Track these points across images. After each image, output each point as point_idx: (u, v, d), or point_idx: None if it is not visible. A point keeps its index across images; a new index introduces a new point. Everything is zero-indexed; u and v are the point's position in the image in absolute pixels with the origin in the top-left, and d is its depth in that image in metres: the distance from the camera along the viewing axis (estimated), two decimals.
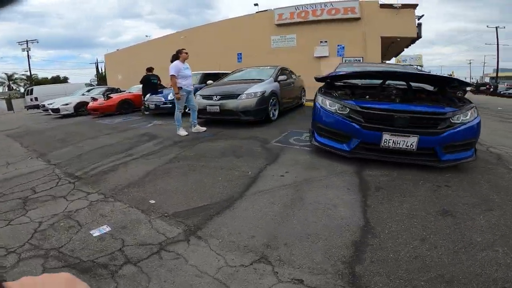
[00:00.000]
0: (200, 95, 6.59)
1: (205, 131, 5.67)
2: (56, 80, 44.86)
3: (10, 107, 24.75)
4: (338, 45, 13.50)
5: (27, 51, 30.59)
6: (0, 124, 11.72)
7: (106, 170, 3.85)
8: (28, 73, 35.64)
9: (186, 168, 3.76)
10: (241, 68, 8.99)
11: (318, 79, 5.61)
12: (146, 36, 21.38)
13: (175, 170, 3.70)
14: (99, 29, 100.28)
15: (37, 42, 31.81)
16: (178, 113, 5.46)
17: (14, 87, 41.68)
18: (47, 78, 44.60)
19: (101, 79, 34.05)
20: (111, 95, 9.98)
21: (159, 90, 9.43)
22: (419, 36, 13.87)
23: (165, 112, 8.36)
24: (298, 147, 4.55)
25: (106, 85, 18.46)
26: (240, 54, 15.20)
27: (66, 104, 11.07)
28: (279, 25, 14.10)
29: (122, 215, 2.70)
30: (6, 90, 39.62)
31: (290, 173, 3.48)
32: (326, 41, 13.57)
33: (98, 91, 13.14)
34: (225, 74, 10.34)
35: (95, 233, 2.40)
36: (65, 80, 46.70)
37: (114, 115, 9.78)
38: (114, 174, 3.69)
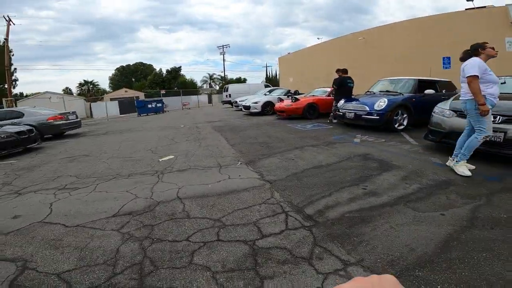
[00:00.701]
0: (452, 110, 4.27)
1: (473, 169, 3.33)
2: (239, 80, 54.00)
3: (209, 101, 31.51)
4: None
5: (223, 55, 37.99)
6: (206, 115, 14.01)
7: (351, 216, 2.42)
8: (222, 74, 44.52)
9: None
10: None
11: None
12: (318, 38, 20.84)
13: (507, 252, 1.74)
14: (264, 37, 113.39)
15: (229, 46, 38.86)
16: (477, 140, 3.20)
17: (212, 85, 53.57)
18: (232, 78, 54.55)
19: (269, 81, 37.48)
20: (299, 98, 9.35)
21: (353, 96, 7.86)
22: None
23: (365, 124, 6.59)
24: None
25: (276, 86, 19.29)
26: (448, 58, 11.23)
27: (256, 103, 11.60)
28: None
29: None
30: (208, 87, 51.53)
31: None
32: None
33: (279, 92, 13.30)
34: (439, 82, 7.37)
35: None
36: (244, 81, 55.44)
37: (299, 119, 9.09)
38: (374, 231, 2.16)
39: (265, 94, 14.83)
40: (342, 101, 7.44)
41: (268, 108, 11.57)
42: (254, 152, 4.90)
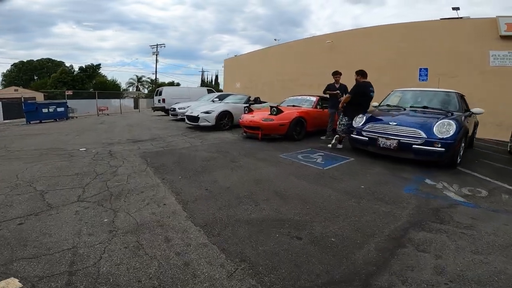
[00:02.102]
0: None
1: None
2: (171, 84, 48.10)
3: (136, 106, 25.67)
4: None
5: (156, 54, 32.75)
6: (130, 127, 9.59)
7: None
8: (153, 77, 38.48)
9: None
10: None
11: None
12: (275, 40, 18.66)
13: None
14: (202, 42, 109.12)
15: (164, 46, 33.69)
16: None
17: (140, 88, 46.16)
18: (164, 82, 48.21)
19: (205, 86, 33.95)
20: (282, 108, 6.25)
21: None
22: None
23: (415, 159, 3.98)
24: None
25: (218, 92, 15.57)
26: (426, 70, 10.15)
27: (208, 113, 8.04)
28: (505, 38, 8.63)
29: None
30: (135, 90, 44.06)
31: None
32: None
33: (236, 99, 10.03)
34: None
35: None
36: (177, 85, 49.90)
37: (279, 140, 6.04)
38: None
39: (213, 101, 11.39)
40: (361, 119, 4.73)
41: (225, 120, 8.19)
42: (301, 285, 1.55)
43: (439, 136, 3.75)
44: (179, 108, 11.54)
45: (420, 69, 10.21)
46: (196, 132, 7.85)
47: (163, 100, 15.51)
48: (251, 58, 18.11)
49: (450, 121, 3.85)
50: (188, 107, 11.36)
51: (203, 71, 52.08)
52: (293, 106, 7.14)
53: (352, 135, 4.79)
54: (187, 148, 5.44)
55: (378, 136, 4.26)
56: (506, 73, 8.65)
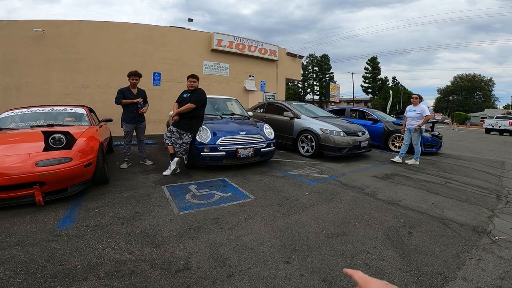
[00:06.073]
0: None
1: None
2: None
3: None
4: (262, 81, 13.53)
5: None
6: None
7: None
8: None
9: None
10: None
11: None
12: None
13: None
14: None
15: None
16: None
17: None
18: None
19: None
20: (66, 132, 3.11)
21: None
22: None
23: None
24: None
25: None
26: (159, 74, 10.54)
27: None
28: (214, 51, 11.66)
29: None
30: None
31: None
32: (253, 76, 13.09)
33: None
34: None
35: None
36: None
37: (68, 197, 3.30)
38: None
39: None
40: (206, 132, 4.07)
41: None
42: None
43: (270, 137, 4.48)
44: None
45: (154, 73, 10.41)
46: None
47: None
48: None
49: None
50: None
51: None
52: (40, 127, 4.06)
53: (202, 153, 4.01)
54: None
55: (238, 148, 4.03)
56: (212, 79, 11.54)
